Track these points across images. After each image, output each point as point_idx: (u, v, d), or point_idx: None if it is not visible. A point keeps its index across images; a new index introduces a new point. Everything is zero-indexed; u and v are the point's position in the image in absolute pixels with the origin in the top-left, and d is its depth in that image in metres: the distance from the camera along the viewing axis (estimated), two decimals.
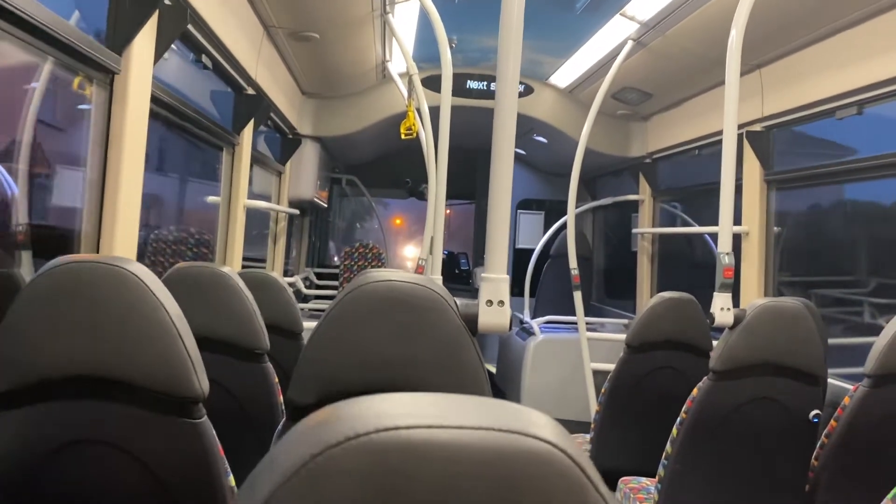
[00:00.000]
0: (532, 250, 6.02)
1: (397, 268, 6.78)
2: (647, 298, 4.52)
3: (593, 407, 3.78)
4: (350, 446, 0.45)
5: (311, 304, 5.45)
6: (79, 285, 1.19)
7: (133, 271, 1.22)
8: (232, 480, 1.33)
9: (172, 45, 2.36)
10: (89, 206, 2.09)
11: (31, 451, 1.19)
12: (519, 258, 6.43)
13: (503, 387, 5.41)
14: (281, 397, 2.15)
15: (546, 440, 0.47)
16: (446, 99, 2.81)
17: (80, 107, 2.13)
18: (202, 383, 1.26)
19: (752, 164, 3.50)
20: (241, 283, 2.04)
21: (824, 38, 2.94)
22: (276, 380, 2.15)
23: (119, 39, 2.07)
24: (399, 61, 4.36)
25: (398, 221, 13.73)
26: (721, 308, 2.24)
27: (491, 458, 0.45)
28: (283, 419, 1.35)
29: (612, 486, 2.69)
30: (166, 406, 1.23)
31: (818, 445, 2.13)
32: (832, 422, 2.06)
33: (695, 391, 2.15)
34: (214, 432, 1.29)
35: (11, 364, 1.19)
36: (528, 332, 4.86)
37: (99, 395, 1.21)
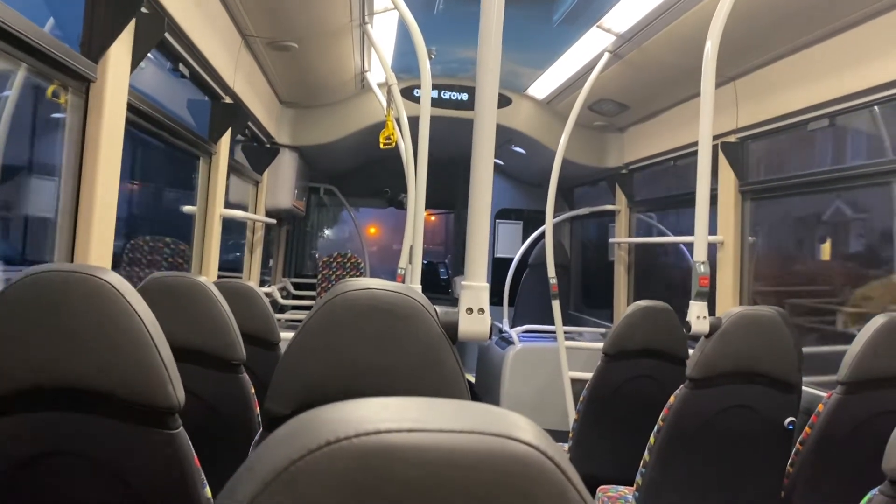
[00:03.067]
0: (511, 259, 6.03)
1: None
2: (624, 307, 4.55)
3: (572, 415, 3.79)
4: (331, 450, 0.44)
5: (287, 315, 5.40)
6: (52, 295, 1.17)
7: (108, 280, 1.20)
8: (208, 492, 1.32)
9: (149, 54, 2.34)
10: (64, 214, 2.06)
11: (4, 462, 1.17)
12: (498, 267, 6.44)
13: (482, 396, 5.41)
14: (257, 408, 2.13)
15: (528, 443, 0.47)
16: (425, 109, 2.82)
17: (55, 115, 2.10)
18: (178, 394, 1.24)
19: (727, 175, 3.55)
20: (218, 293, 2.02)
21: (796, 52, 3.00)
22: (253, 391, 2.13)
23: (95, 48, 2.05)
24: (378, 71, 4.37)
25: (373, 230, 13.68)
26: (697, 316, 2.26)
27: (473, 462, 0.45)
28: (260, 430, 1.34)
29: (591, 494, 2.69)
30: (142, 417, 1.21)
31: (793, 452, 2.16)
32: (806, 428, 2.09)
33: (671, 399, 2.17)
34: (190, 443, 1.27)
35: None
36: (507, 342, 4.86)
37: (73, 405, 1.19)
